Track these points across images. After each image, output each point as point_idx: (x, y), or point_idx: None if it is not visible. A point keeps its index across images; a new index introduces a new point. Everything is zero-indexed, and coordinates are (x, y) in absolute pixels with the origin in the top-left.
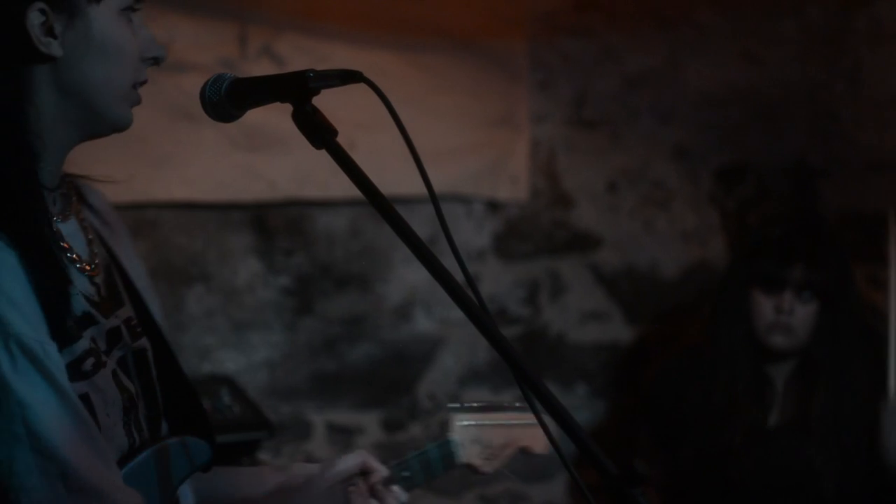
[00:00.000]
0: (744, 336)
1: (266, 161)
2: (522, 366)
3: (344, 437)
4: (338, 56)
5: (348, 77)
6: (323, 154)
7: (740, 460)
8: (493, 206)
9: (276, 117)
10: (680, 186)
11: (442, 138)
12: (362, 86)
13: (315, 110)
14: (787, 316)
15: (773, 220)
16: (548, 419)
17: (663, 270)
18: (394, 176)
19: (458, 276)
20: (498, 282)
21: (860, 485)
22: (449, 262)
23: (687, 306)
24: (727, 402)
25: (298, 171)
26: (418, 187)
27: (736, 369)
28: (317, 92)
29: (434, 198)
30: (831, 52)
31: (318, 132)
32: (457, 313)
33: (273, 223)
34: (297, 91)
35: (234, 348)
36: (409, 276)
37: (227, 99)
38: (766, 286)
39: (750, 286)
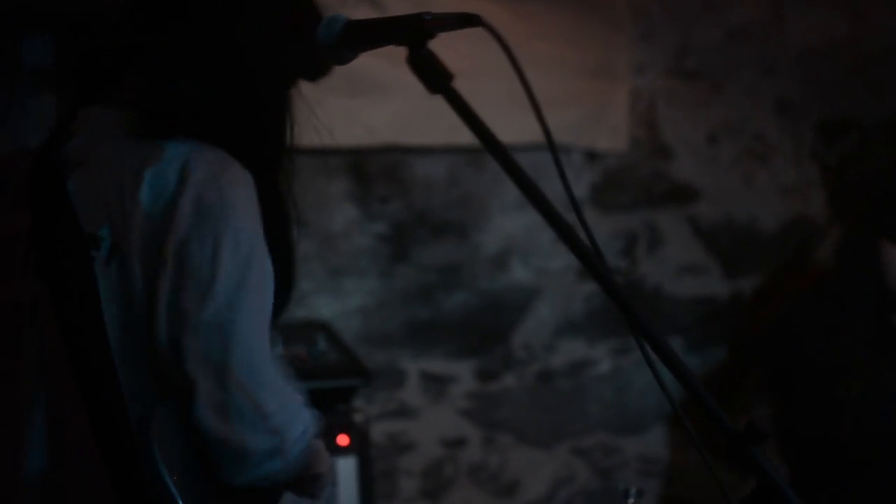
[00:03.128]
0: (871, 288)
1: (365, 106)
2: (637, 313)
3: (437, 385)
4: (437, 3)
5: (466, 21)
6: (422, 100)
7: (857, 413)
8: (592, 156)
9: (375, 62)
10: (780, 140)
11: (541, 87)
12: (460, 32)
13: (431, 54)
14: None
15: (886, 177)
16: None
17: (762, 225)
18: (493, 124)
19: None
20: (595, 233)
21: None
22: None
23: (786, 261)
24: (847, 352)
25: (397, 118)
26: (516, 136)
27: (859, 319)
28: (433, 35)
29: (551, 142)
30: None
31: (435, 76)
32: (554, 263)
33: (370, 169)
34: (413, 33)
35: (330, 294)
36: (507, 225)
37: (341, 41)
38: None
39: (880, 238)
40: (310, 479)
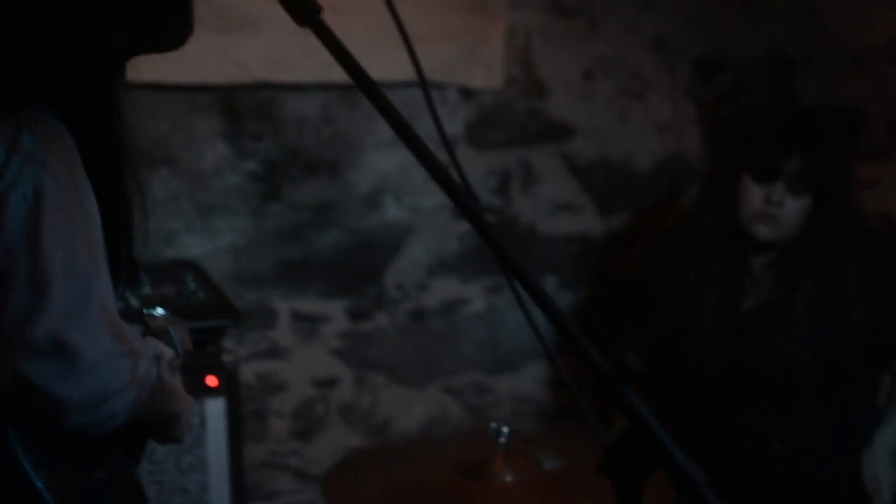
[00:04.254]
0: (727, 221)
1: (236, 42)
2: (508, 252)
3: (309, 325)
4: None
5: None
6: (294, 37)
7: (708, 343)
8: (467, 93)
9: None
10: (657, 77)
11: (414, 23)
12: None
13: None
14: (776, 207)
15: (758, 113)
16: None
17: (637, 162)
18: (366, 61)
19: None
20: (469, 171)
21: (838, 384)
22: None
23: (660, 199)
24: (699, 283)
25: (269, 54)
26: (389, 73)
27: (714, 252)
28: None
29: (423, 80)
30: None
31: (303, 8)
32: (427, 202)
33: (241, 106)
34: None
35: (200, 233)
36: (380, 163)
37: None
38: (758, 174)
39: (741, 173)
40: (167, 421)
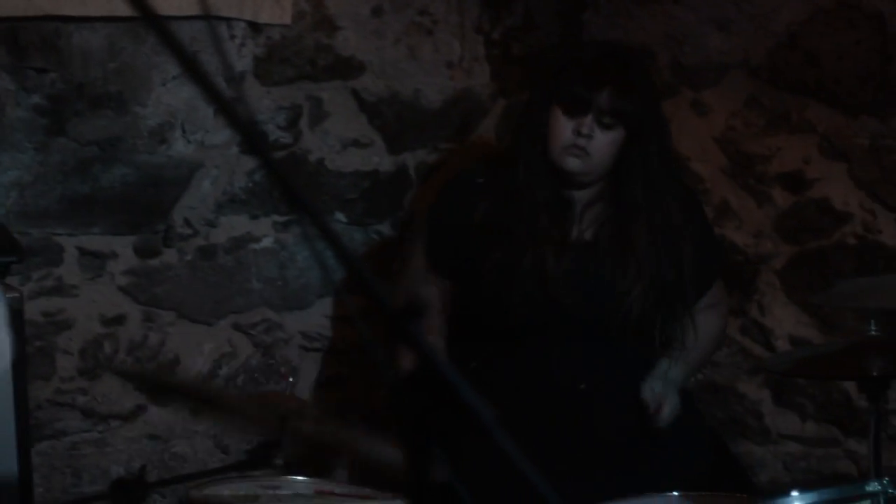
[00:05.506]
0: (541, 155)
1: None
2: (294, 186)
3: (96, 262)
4: None
5: None
6: None
7: (535, 277)
8: (255, 28)
9: None
10: (446, 14)
11: None
12: None
13: None
14: (585, 140)
15: (578, 43)
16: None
17: (427, 99)
18: None
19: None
20: (258, 106)
21: (660, 321)
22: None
23: (450, 135)
24: (519, 219)
25: None
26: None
27: (531, 187)
28: None
29: (210, 13)
30: None
31: None
32: (216, 137)
33: (26, 39)
34: None
35: None
36: (168, 98)
37: None
38: (568, 107)
39: (552, 106)
40: None
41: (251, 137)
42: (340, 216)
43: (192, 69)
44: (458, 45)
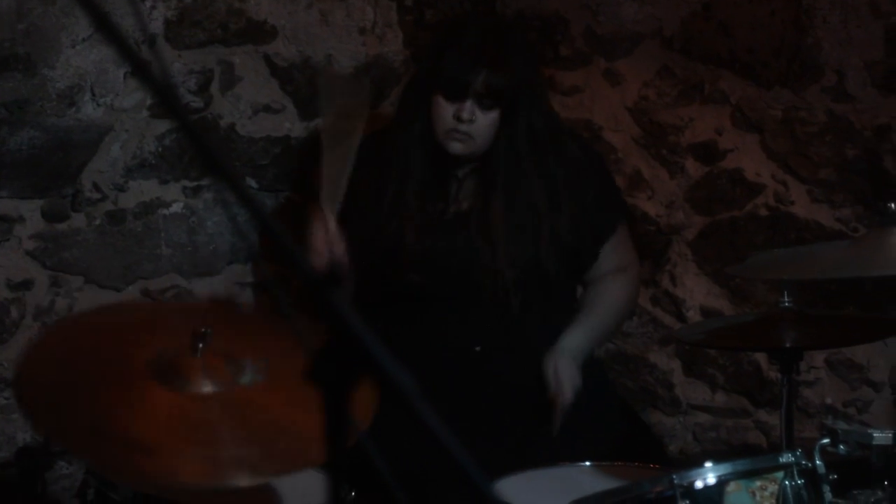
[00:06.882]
0: (422, 137)
1: None
2: (210, 148)
3: (3, 226)
4: None
5: None
6: None
7: (413, 248)
8: None
9: None
10: None
11: None
12: None
13: None
14: (467, 124)
15: (456, 21)
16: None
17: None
18: None
19: None
20: (169, 70)
21: (537, 290)
22: None
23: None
24: (401, 190)
25: None
26: None
27: (412, 162)
28: None
29: None
30: None
31: None
32: (126, 101)
33: None
34: None
35: None
36: (77, 60)
37: None
38: (448, 92)
39: (433, 90)
40: None
41: (167, 99)
42: (251, 182)
43: (105, 28)
44: (370, 10)
